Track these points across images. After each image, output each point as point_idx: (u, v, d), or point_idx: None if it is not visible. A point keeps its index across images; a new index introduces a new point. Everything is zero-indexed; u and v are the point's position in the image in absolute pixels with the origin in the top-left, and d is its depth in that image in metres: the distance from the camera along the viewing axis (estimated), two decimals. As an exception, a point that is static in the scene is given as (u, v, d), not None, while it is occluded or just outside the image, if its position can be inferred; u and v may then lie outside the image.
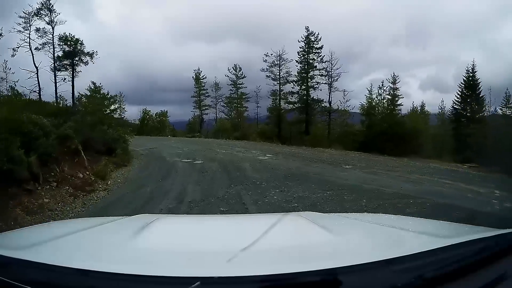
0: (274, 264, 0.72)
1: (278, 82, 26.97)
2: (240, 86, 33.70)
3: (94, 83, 23.08)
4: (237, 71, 33.51)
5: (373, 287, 0.65)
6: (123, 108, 28.62)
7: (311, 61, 24.99)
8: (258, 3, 54.71)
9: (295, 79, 25.51)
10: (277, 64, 26.78)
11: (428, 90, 52.76)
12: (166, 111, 33.55)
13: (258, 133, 25.63)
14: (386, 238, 1.08)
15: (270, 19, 51.61)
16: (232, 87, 33.51)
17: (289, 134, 23.88)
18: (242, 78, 33.54)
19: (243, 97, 33.78)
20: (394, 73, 23.77)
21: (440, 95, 44.54)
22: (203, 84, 34.61)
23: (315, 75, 24.95)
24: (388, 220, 1.46)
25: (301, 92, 25.25)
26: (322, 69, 24.75)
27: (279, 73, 27.09)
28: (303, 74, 25.11)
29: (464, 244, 0.81)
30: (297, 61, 25.31)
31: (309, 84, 25.05)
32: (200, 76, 34.93)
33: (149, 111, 32.12)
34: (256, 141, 21.62)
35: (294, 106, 25.70)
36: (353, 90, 40.17)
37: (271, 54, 26.73)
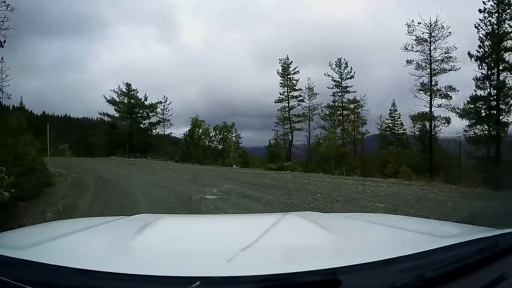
0: (274, 264, 0.72)
1: (429, 68, 17.96)
2: (348, 89, 25.65)
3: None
4: (342, 68, 25.95)
5: (373, 287, 0.65)
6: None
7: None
8: (340, 28, 52.24)
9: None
10: (427, 39, 17.68)
11: None
12: (233, 123, 24.45)
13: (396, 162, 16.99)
14: (386, 238, 1.08)
15: (350, 45, 48.51)
16: (335, 92, 25.87)
17: (458, 165, 16.22)
18: (349, 78, 25.76)
19: (355, 104, 25.57)
20: None
21: None
22: (294, 81, 26.84)
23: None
24: (388, 220, 1.46)
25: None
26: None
27: (429, 55, 17.53)
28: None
29: (464, 244, 0.81)
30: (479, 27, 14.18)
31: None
32: (289, 68, 26.92)
33: (202, 121, 23.06)
34: (405, 178, 12.89)
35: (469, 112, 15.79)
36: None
37: (418, 23, 17.39)
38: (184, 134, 23.33)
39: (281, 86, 27.90)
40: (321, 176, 12.84)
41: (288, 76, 27.58)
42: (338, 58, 26.46)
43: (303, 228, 1.18)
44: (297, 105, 27.71)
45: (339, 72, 26.31)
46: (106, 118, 32.12)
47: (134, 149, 28.09)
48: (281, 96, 27.85)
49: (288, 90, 27.74)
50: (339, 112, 26.52)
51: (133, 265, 0.72)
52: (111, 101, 30.24)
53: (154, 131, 33.17)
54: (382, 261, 0.68)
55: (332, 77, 26.27)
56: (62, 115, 47.50)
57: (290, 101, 27.66)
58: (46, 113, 52.76)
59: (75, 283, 0.64)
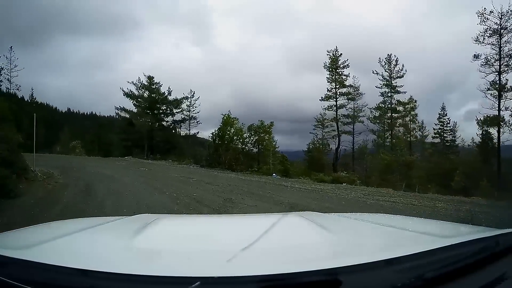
0: (274, 264, 0.72)
1: (498, 64, 15.59)
2: (397, 88, 22.87)
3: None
4: (391, 64, 23.33)
5: (373, 287, 0.65)
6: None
7: None
8: (373, 33, 50.40)
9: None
10: (497, 29, 15.42)
11: None
12: (271, 123, 20.02)
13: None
14: (386, 238, 1.08)
15: (382, 49, 46.48)
16: (384, 92, 23.22)
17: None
18: (399, 77, 23.06)
19: (412, 105, 22.56)
20: None
21: None
22: (343, 76, 23.89)
23: None
24: (388, 220, 1.46)
25: None
26: None
27: (499, 49, 15.11)
28: None
29: (464, 244, 0.81)
30: None
31: None
32: (338, 61, 23.94)
33: (235, 119, 18.81)
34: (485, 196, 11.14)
35: None
36: None
37: (490, 12, 15.26)
38: (212, 134, 19.08)
39: (328, 82, 24.87)
40: (401, 196, 9.71)
41: (337, 70, 24.58)
42: (388, 54, 24.13)
43: (303, 228, 1.18)
44: (347, 104, 24.71)
45: (388, 70, 23.85)
46: (123, 114, 27.77)
47: (154, 149, 25.02)
48: (328, 93, 24.81)
49: (337, 86, 24.69)
50: (388, 114, 23.77)
51: (133, 265, 0.72)
52: (129, 95, 26.32)
53: (178, 130, 29.50)
54: (382, 261, 0.68)
55: (382, 75, 23.68)
56: (88, 113, 47.14)
57: (338, 99, 24.47)
58: (72, 110, 53.12)
59: (75, 283, 0.64)
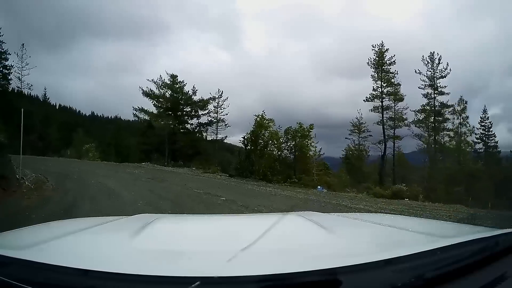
0: (274, 264, 0.72)
1: None
2: (440, 88, 20.40)
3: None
4: (434, 64, 20.91)
5: (373, 287, 0.65)
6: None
7: None
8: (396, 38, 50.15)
9: None
10: None
11: None
12: (311, 125, 16.90)
13: None
14: (386, 238, 1.08)
15: (409, 55, 44.39)
16: (428, 93, 20.86)
17: None
18: (442, 77, 20.67)
19: (462, 106, 19.99)
20: None
21: None
22: (390, 74, 21.21)
23: None
24: (388, 220, 1.46)
25: None
26: None
27: None
28: None
29: (464, 244, 0.81)
30: None
31: None
32: (384, 57, 21.09)
33: (270, 120, 16.10)
34: None
35: None
36: None
37: None
38: (243, 138, 16.30)
39: (373, 80, 22.14)
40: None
41: (383, 67, 21.74)
42: (431, 52, 21.48)
43: (303, 228, 1.17)
44: (395, 105, 21.58)
45: (431, 69, 21.31)
46: (142, 115, 24.48)
47: (176, 155, 22.43)
48: (373, 92, 21.94)
49: (383, 85, 21.83)
50: (432, 118, 21.15)
51: (133, 265, 0.72)
52: (149, 94, 23.52)
53: (204, 134, 26.14)
54: (382, 261, 0.68)
55: (426, 75, 21.27)
56: (112, 117, 47.00)
57: (384, 99, 21.53)
58: (95, 114, 53.59)
59: (75, 283, 0.64)
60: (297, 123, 16.88)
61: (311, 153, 16.84)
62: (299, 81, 50.52)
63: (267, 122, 16.24)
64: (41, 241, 0.92)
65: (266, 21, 72.85)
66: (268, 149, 16.02)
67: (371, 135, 23.28)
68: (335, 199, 10.48)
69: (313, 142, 16.85)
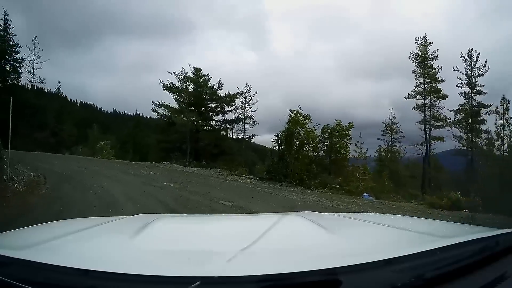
0: (274, 264, 0.72)
1: None
2: (478, 87, 18.96)
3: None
4: (473, 62, 19.27)
5: (373, 287, 0.65)
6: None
7: None
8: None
9: None
10: None
11: None
12: (351, 123, 15.12)
13: None
14: (386, 238, 1.08)
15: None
16: (466, 92, 19.14)
17: None
18: (480, 75, 19.32)
19: (505, 107, 17.63)
20: None
21: None
22: (434, 69, 19.59)
23: None
24: (388, 220, 1.46)
25: None
26: None
27: None
28: None
29: (464, 244, 0.81)
30: None
31: None
32: (427, 51, 19.50)
33: (307, 116, 14.26)
34: None
35: None
36: None
37: None
38: (276, 136, 14.28)
39: (414, 76, 20.33)
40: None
41: (425, 62, 20.04)
42: (469, 49, 19.80)
43: (303, 228, 1.17)
44: (437, 103, 19.91)
45: (469, 66, 19.72)
46: (162, 111, 22.10)
47: (199, 154, 20.58)
48: (416, 88, 20.22)
49: (426, 81, 20.18)
50: (470, 119, 19.61)
51: (133, 265, 0.72)
52: (169, 88, 21.44)
53: (229, 132, 23.93)
54: (382, 261, 0.68)
55: (464, 73, 19.65)
56: (134, 114, 45.52)
57: (426, 97, 19.91)
58: (117, 111, 53.37)
59: (75, 283, 0.64)
60: (335, 120, 14.94)
61: (354, 154, 14.89)
62: (324, 81, 49.75)
63: (303, 118, 14.16)
64: (41, 241, 0.92)
65: (292, 21, 72.60)
66: (305, 149, 14.04)
67: (403, 136, 21.88)
68: (379, 207, 9.24)
69: (357, 142, 15.02)
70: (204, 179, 11.49)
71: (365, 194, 11.97)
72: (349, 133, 14.83)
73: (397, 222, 1.35)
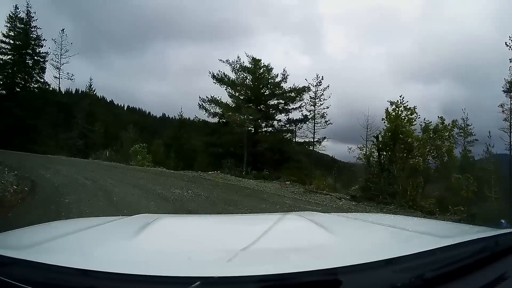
0: (274, 264, 0.72)
1: None
2: None
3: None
4: None
5: (373, 287, 0.65)
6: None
7: None
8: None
9: None
10: None
11: None
12: (454, 121, 12.25)
13: None
14: (386, 238, 1.08)
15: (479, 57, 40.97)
16: None
17: None
18: None
19: None
20: None
21: None
22: None
23: None
24: (388, 220, 1.46)
25: None
26: None
27: None
28: None
29: (464, 244, 0.81)
30: None
31: None
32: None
33: (413, 110, 10.35)
34: None
35: None
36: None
37: None
38: (376, 138, 10.78)
39: (510, 73, 15.64)
40: None
41: None
42: None
43: (303, 228, 1.17)
44: None
45: None
46: (212, 108, 18.10)
47: (257, 161, 16.69)
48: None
49: None
50: None
51: (133, 265, 0.72)
52: (220, 79, 17.57)
53: (295, 134, 19.05)
54: (382, 261, 0.68)
55: None
56: (178, 115, 45.37)
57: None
58: (167, 116, 52.64)
59: (75, 283, 0.64)
60: (438, 117, 11.13)
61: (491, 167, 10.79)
62: (375, 85, 47.78)
63: (408, 113, 10.28)
64: (41, 241, 0.91)
65: (345, 24, 71.91)
66: (415, 157, 10.07)
67: (476, 140, 18.93)
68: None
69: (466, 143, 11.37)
70: (275, 200, 7.57)
71: (502, 221, 8.79)
72: (452, 133, 11.19)
73: (397, 222, 1.35)
